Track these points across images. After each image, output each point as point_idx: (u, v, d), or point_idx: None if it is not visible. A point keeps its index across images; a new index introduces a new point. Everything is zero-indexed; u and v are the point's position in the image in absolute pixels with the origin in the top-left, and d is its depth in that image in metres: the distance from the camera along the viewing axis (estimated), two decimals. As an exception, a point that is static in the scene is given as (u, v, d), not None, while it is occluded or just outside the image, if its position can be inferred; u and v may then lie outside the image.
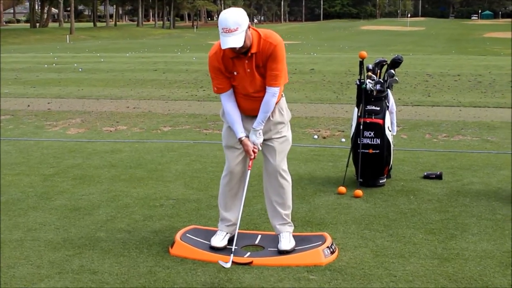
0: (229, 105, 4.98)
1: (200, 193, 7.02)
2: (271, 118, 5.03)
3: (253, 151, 4.98)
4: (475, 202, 6.60)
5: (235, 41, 4.56)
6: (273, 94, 4.86)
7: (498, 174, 7.83)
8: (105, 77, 22.17)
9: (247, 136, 4.99)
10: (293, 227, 5.28)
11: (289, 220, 5.24)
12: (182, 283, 4.57)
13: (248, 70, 4.83)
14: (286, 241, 5.10)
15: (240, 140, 4.98)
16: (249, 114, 5.01)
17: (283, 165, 5.13)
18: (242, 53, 4.75)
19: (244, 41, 4.61)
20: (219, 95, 5.03)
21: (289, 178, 5.19)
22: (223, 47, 4.61)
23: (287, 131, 5.16)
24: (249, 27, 4.67)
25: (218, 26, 4.63)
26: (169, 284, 4.56)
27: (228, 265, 4.68)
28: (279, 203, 5.18)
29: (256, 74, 4.84)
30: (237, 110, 5.00)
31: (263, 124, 4.96)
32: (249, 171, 5.12)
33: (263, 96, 4.89)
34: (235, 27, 4.54)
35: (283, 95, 5.15)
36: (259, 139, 4.99)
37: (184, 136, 10.74)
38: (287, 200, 5.20)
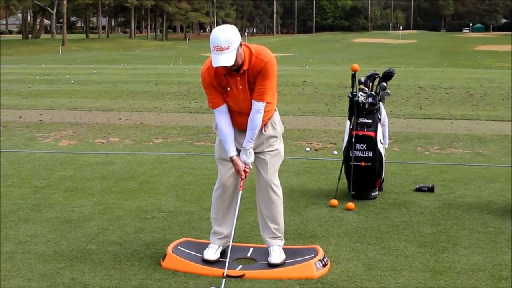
0: (222, 122, 4.96)
1: (192, 205, 7.01)
2: (263, 132, 5.03)
3: (244, 171, 4.97)
4: (467, 215, 6.61)
5: (226, 59, 4.55)
6: (258, 110, 4.84)
7: (490, 187, 7.85)
8: (97, 89, 22.15)
9: (239, 155, 4.98)
10: (283, 241, 5.27)
11: (279, 234, 5.22)
12: (173, 296, 4.55)
13: (241, 87, 4.83)
14: (276, 255, 5.09)
15: (231, 159, 4.98)
16: (241, 128, 5.00)
17: (275, 179, 5.13)
18: (234, 70, 4.75)
19: (236, 59, 4.60)
20: (213, 109, 5.02)
21: (280, 192, 5.19)
22: (214, 65, 4.61)
23: (279, 145, 5.16)
24: (241, 44, 4.66)
25: (209, 43, 4.63)
26: (161, 297, 4.55)
27: None
28: (268, 217, 5.17)
29: (248, 91, 4.84)
30: (231, 127, 4.98)
31: (252, 142, 4.95)
32: (240, 191, 5.11)
33: None
34: (226, 45, 4.53)
35: (276, 109, 5.15)
36: (249, 158, 4.98)
37: (176, 148, 10.72)
38: (277, 214, 5.19)
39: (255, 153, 5.06)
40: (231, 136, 4.96)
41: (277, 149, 5.13)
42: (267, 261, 5.08)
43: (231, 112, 4.98)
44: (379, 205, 6.99)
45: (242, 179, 5.04)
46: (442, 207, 6.93)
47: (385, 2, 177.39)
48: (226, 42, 4.53)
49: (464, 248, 5.56)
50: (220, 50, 4.54)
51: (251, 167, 5.04)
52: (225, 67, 4.67)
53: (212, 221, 5.31)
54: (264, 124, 5.02)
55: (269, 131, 5.06)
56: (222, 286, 4.62)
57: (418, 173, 8.65)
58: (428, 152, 10.37)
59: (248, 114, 4.89)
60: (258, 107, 4.83)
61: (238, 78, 4.80)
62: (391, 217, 6.54)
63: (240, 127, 5.01)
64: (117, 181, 8.14)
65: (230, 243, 5.05)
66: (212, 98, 4.94)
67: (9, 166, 9.09)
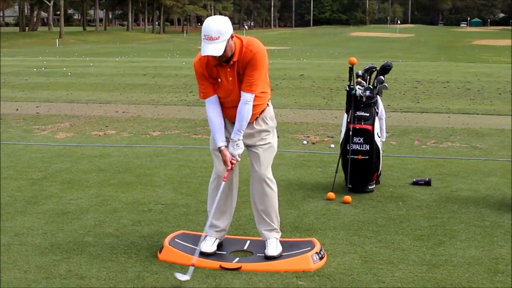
0: (212, 112, 4.97)
1: (189, 198, 7.01)
2: (254, 127, 5.03)
3: (231, 162, 4.96)
4: (464, 208, 6.62)
5: (215, 49, 4.58)
6: (245, 101, 4.83)
7: (487, 180, 7.86)
8: (94, 81, 22.12)
9: (227, 146, 4.98)
10: (280, 233, 5.27)
11: (276, 227, 5.22)
12: (170, 289, 4.55)
13: (230, 78, 4.84)
14: (273, 247, 5.10)
15: (219, 150, 4.97)
16: (232, 120, 5.00)
17: (268, 173, 5.12)
18: (224, 61, 4.76)
19: (225, 50, 4.62)
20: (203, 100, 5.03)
21: (274, 186, 5.18)
22: (203, 53, 4.65)
23: (272, 138, 5.15)
24: (232, 36, 4.68)
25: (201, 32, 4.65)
26: (157, 289, 4.55)
27: (186, 277, 4.58)
28: (263, 211, 5.17)
29: (237, 82, 4.85)
30: (220, 117, 4.98)
31: (241, 134, 4.93)
32: (223, 183, 5.04)
33: None
34: (216, 35, 4.56)
35: (269, 104, 5.14)
36: (237, 151, 4.95)
37: (173, 141, 10.71)
38: (272, 207, 5.18)
39: (247, 146, 5.06)
40: (220, 126, 4.97)
41: (269, 143, 5.12)
42: (264, 253, 5.08)
43: (222, 104, 4.99)
44: (376, 199, 7.00)
45: (227, 170, 5.03)
46: (438, 200, 6.94)
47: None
48: (217, 33, 4.55)
49: (461, 242, 5.57)
50: (210, 39, 4.57)
51: (239, 159, 5.02)
52: (214, 58, 4.69)
53: (209, 214, 5.30)
54: (255, 119, 5.02)
55: (260, 125, 5.05)
56: (189, 272, 4.61)
57: (415, 166, 8.66)
58: (425, 145, 10.38)
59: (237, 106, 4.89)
60: (246, 98, 4.83)
61: (228, 69, 4.81)
62: (388, 210, 6.55)
63: (231, 119, 5.01)
64: (114, 174, 8.13)
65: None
66: (203, 89, 4.97)
67: (5, 158, 9.08)
